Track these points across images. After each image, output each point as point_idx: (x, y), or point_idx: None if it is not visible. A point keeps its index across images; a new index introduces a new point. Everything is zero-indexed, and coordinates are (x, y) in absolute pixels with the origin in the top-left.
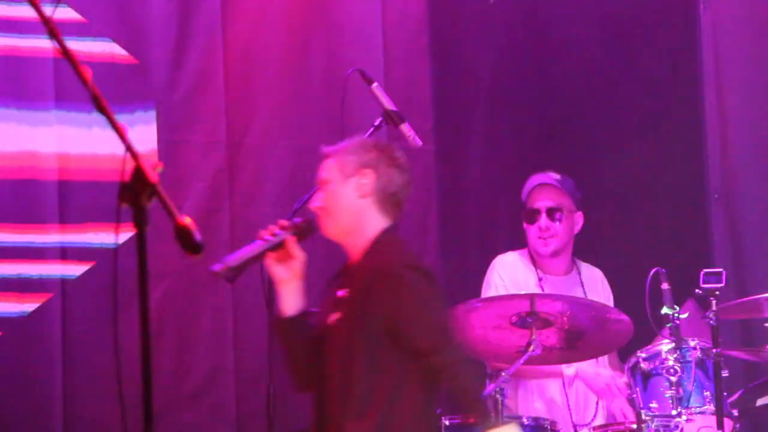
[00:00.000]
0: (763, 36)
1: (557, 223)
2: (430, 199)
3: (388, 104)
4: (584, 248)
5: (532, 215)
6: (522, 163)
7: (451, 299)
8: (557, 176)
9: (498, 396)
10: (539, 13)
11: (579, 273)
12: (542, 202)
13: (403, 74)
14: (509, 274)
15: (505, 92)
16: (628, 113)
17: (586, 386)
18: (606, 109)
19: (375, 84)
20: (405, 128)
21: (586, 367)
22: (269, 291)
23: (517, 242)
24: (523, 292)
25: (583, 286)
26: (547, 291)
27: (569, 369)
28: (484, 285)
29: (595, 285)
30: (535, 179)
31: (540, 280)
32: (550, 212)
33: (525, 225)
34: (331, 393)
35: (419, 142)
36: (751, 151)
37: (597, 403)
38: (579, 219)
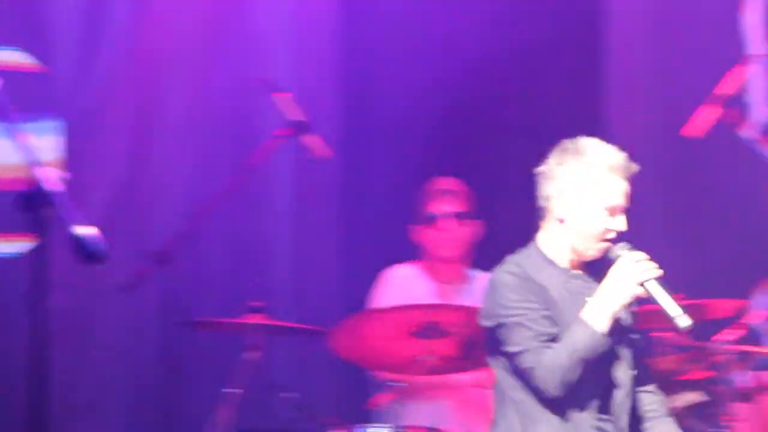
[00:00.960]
0: (666, 50)
1: (459, 228)
2: (334, 209)
3: (295, 113)
4: (484, 257)
5: (434, 219)
6: (429, 173)
7: (351, 308)
8: (459, 183)
9: (393, 405)
10: (447, 23)
11: (475, 281)
12: (447, 206)
13: (311, 85)
14: (399, 288)
15: (414, 102)
16: (533, 125)
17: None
18: (511, 120)
19: (282, 93)
20: (311, 138)
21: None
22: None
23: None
24: (422, 302)
25: (477, 294)
26: (444, 300)
27: (463, 379)
28: (374, 296)
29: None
30: (437, 184)
31: (436, 289)
32: (453, 217)
33: (423, 230)
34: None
35: (325, 153)
36: (653, 161)
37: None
38: (478, 227)
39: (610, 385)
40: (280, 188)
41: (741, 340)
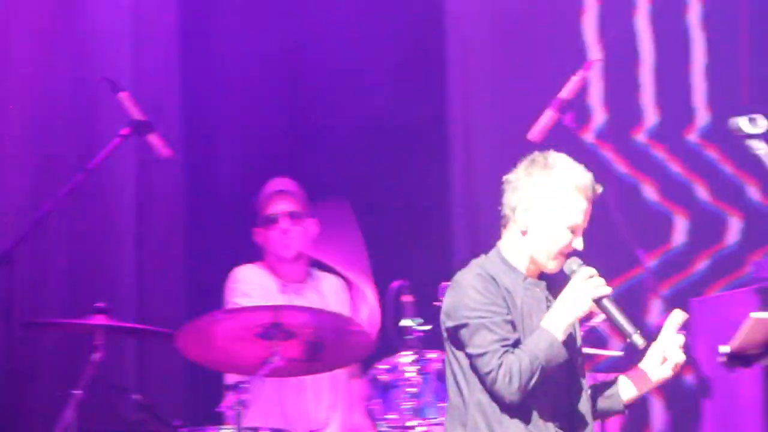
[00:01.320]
0: (508, 54)
1: (297, 227)
2: (178, 209)
3: (137, 113)
4: None
5: (273, 220)
6: (273, 173)
7: (197, 310)
8: (292, 183)
9: (238, 407)
10: (293, 24)
11: (317, 280)
12: (282, 206)
13: (153, 84)
14: (253, 285)
15: (256, 102)
16: (378, 126)
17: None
18: (355, 121)
19: (123, 93)
20: (153, 138)
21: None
22: None
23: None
24: (268, 303)
25: (320, 293)
26: (289, 299)
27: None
28: (226, 297)
29: (334, 293)
30: (273, 185)
31: (282, 288)
32: (290, 216)
33: (263, 231)
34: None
35: (168, 153)
36: (495, 166)
37: (334, 411)
38: (314, 225)
39: (568, 394)
40: (123, 188)
41: (586, 343)
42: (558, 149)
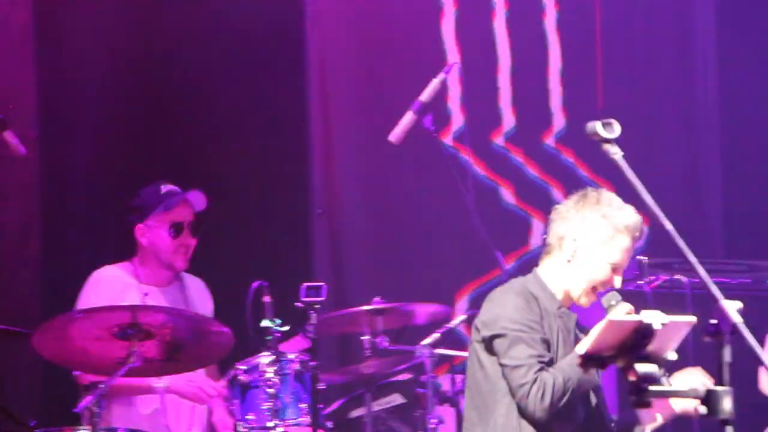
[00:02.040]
0: (370, 57)
1: (194, 236)
2: (33, 209)
3: None
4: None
5: (179, 228)
6: (130, 170)
7: (54, 309)
8: (201, 194)
9: (95, 408)
10: (151, 23)
11: (182, 282)
12: (187, 216)
13: (7, 82)
14: (107, 290)
15: (114, 102)
16: (236, 126)
17: (179, 396)
18: (214, 121)
19: None
20: (8, 136)
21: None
22: None
23: (128, 252)
24: (125, 303)
25: (185, 295)
26: (151, 302)
27: (160, 382)
28: (80, 299)
29: (196, 294)
30: (176, 193)
31: (145, 292)
32: (193, 229)
33: (156, 232)
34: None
35: (23, 151)
36: (355, 167)
37: (194, 413)
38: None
39: (587, 425)
40: None
41: (443, 344)
42: (417, 151)
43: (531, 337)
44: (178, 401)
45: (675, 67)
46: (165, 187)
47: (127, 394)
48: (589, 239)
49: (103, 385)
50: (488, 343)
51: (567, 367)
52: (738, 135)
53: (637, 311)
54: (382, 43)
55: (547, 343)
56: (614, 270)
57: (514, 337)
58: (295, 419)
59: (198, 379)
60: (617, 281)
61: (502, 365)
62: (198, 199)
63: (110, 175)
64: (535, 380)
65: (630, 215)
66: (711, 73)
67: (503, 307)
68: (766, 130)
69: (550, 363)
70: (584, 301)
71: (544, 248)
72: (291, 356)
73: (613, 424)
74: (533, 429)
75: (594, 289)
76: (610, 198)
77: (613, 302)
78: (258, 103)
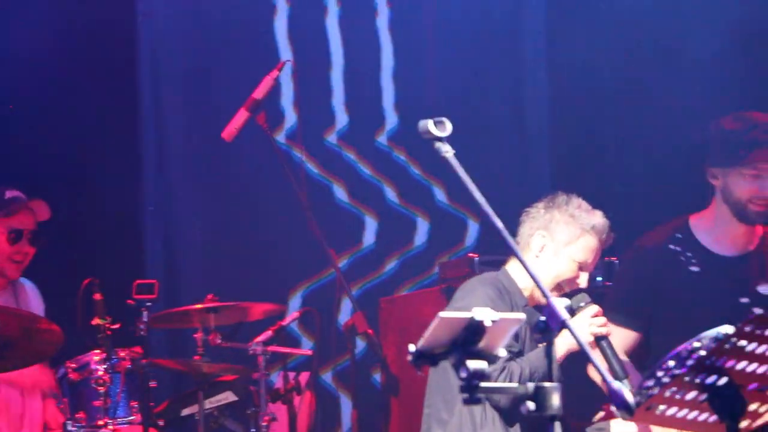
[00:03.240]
0: (200, 50)
1: (33, 247)
2: None
3: None
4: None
5: (17, 235)
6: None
7: None
8: (41, 202)
9: None
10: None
11: (14, 287)
12: (28, 224)
13: None
14: None
15: None
16: (70, 122)
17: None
18: (47, 116)
19: None
20: None
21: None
22: None
23: None
24: None
25: (17, 299)
26: None
27: None
28: None
29: (28, 297)
30: (19, 200)
31: None
32: (31, 235)
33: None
34: None
35: None
36: (187, 165)
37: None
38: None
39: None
40: None
41: (276, 341)
42: (250, 149)
43: None
44: (9, 399)
45: (505, 65)
46: (10, 193)
47: None
48: (556, 237)
49: None
50: None
51: (534, 359)
52: (567, 136)
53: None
54: (214, 42)
55: (515, 335)
56: (580, 268)
57: None
58: (125, 417)
59: (30, 372)
60: (583, 279)
61: None
62: (41, 209)
63: None
64: (503, 369)
65: (597, 217)
66: (540, 75)
67: (475, 296)
68: (594, 132)
69: (519, 354)
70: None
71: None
72: (122, 354)
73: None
74: (498, 415)
75: (559, 286)
76: (579, 202)
77: (582, 303)
78: (89, 101)
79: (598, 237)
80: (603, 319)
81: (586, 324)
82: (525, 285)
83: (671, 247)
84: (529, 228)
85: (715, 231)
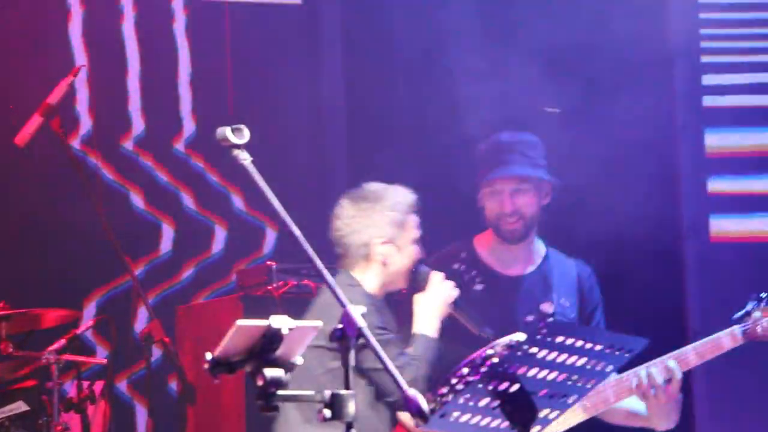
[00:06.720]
0: None
1: None
2: None
3: None
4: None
5: None
6: None
7: None
8: None
9: None
10: None
11: None
12: None
13: None
14: None
15: None
16: None
17: None
18: None
19: None
20: None
21: None
22: None
23: None
24: None
25: None
26: None
27: None
28: None
29: None
30: None
31: None
32: None
33: None
34: None
35: None
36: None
37: None
38: None
39: None
40: None
41: (70, 350)
42: (46, 154)
43: (394, 337)
44: None
45: (303, 73)
46: None
47: None
48: (390, 234)
49: None
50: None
51: (421, 352)
52: (363, 141)
53: (266, 316)
54: (12, 43)
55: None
56: (416, 244)
57: (383, 341)
58: None
59: None
60: (418, 250)
61: (371, 370)
62: None
63: None
64: (411, 362)
65: (403, 193)
66: (337, 83)
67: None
68: (389, 146)
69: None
70: (403, 284)
71: (343, 262)
72: None
73: None
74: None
75: (409, 269)
76: (376, 189)
77: (425, 272)
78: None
79: (414, 209)
80: (451, 282)
81: (440, 290)
82: (377, 288)
83: (455, 266)
84: (359, 239)
85: (496, 250)
